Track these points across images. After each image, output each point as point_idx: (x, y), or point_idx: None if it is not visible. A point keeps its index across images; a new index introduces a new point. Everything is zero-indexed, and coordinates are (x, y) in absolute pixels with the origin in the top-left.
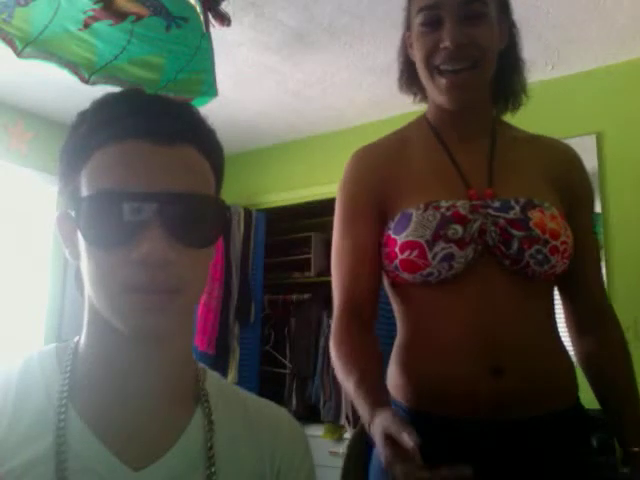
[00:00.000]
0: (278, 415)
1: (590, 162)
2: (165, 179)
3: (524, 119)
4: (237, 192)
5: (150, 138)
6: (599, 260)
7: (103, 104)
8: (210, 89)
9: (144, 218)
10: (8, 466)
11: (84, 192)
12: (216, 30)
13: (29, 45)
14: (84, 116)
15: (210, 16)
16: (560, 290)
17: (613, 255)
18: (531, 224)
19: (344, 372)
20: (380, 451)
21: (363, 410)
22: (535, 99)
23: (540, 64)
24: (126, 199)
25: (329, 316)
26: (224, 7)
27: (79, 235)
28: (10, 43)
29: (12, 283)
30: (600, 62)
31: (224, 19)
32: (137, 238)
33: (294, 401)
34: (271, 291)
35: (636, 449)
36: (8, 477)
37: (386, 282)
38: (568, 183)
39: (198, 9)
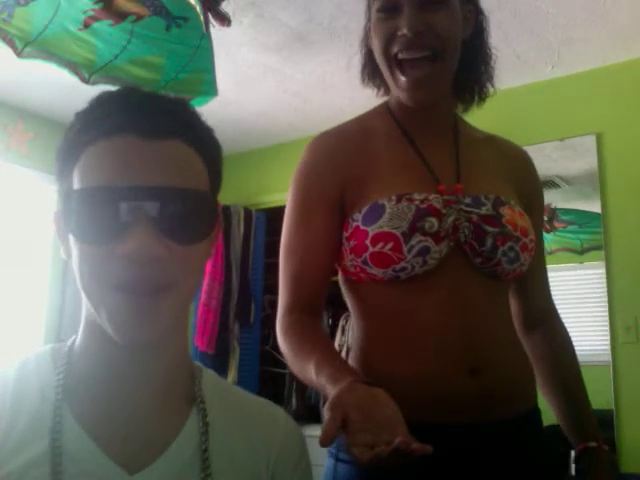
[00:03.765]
0: (274, 415)
1: (590, 162)
2: (153, 174)
3: (524, 119)
4: (237, 192)
5: (138, 133)
6: (545, 261)
7: (96, 102)
8: (210, 89)
9: (132, 214)
10: (5, 470)
11: (74, 188)
12: (216, 30)
13: (29, 45)
14: (78, 116)
15: (210, 16)
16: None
17: (613, 255)
18: (504, 221)
19: (300, 358)
20: (327, 414)
21: (332, 387)
22: (535, 99)
23: (540, 64)
24: (113, 194)
25: (329, 315)
26: (224, 7)
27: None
28: (10, 43)
29: (12, 283)
30: (600, 62)
31: (224, 19)
32: (124, 234)
33: (294, 401)
34: (271, 291)
35: (593, 444)
36: None
37: (344, 279)
38: (524, 185)
39: (198, 9)
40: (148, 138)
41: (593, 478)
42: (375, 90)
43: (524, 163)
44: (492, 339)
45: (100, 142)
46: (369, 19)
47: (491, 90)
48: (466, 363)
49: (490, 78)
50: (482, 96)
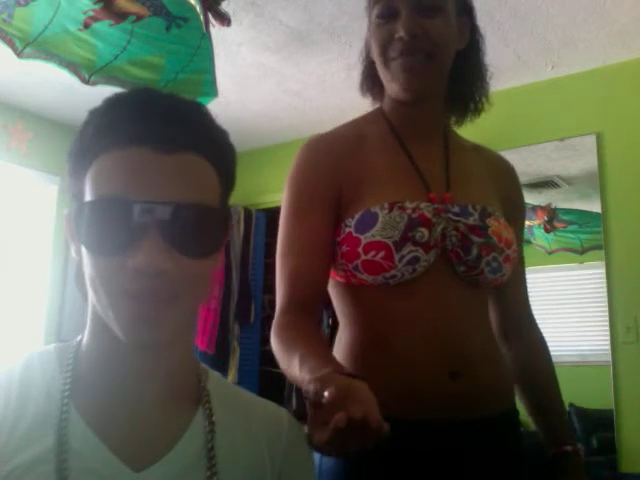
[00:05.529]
0: (279, 416)
1: (590, 162)
2: (165, 188)
3: (524, 119)
4: (237, 192)
5: (152, 146)
6: (524, 271)
7: (111, 105)
8: (210, 89)
9: (143, 227)
10: (10, 466)
11: (87, 197)
12: (216, 30)
13: (29, 45)
14: (93, 116)
15: (210, 16)
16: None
17: (613, 255)
18: (489, 232)
19: (287, 357)
20: (307, 389)
21: (309, 375)
22: (535, 99)
23: (540, 64)
24: (126, 207)
25: (329, 315)
26: (224, 7)
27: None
28: (10, 43)
29: (12, 283)
30: (600, 62)
31: (224, 19)
32: (135, 247)
33: (294, 401)
34: (271, 291)
35: (568, 448)
36: (10, 477)
37: (333, 282)
38: (509, 196)
39: (198, 9)
40: (162, 151)
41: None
42: (372, 100)
43: (509, 175)
44: (472, 345)
45: (114, 151)
46: (369, 27)
47: (486, 106)
48: (447, 367)
49: (485, 93)
50: (475, 112)
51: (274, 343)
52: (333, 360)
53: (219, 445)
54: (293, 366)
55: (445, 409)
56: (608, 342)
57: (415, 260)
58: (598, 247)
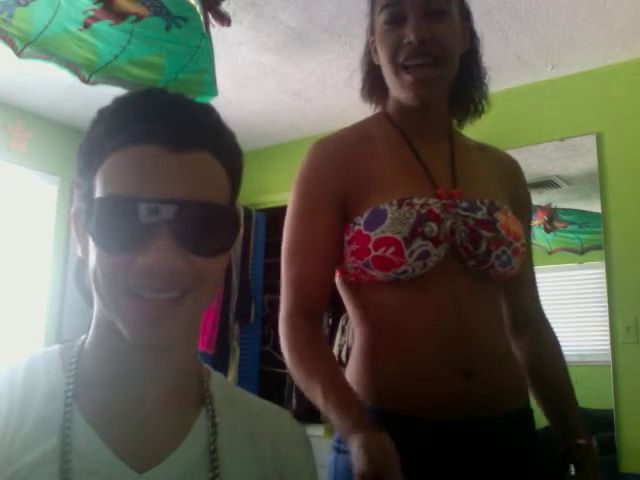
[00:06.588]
0: (280, 417)
1: (590, 162)
2: (176, 187)
3: (524, 119)
4: None
5: (164, 144)
6: (533, 266)
7: (122, 104)
8: (210, 89)
9: (153, 225)
10: (15, 467)
11: (97, 194)
12: (216, 30)
13: (29, 45)
14: (103, 114)
15: (210, 16)
16: None
17: (613, 255)
18: (498, 225)
19: (303, 372)
20: (358, 466)
21: (340, 419)
22: (535, 99)
23: (540, 64)
24: (136, 205)
25: (329, 315)
26: (224, 7)
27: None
28: (10, 43)
29: (12, 283)
30: (600, 62)
31: (224, 19)
32: (144, 245)
33: (294, 401)
34: (271, 291)
35: (582, 441)
36: (14, 478)
37: (342, 281)
38: (515, 192)
39: (198, 9)
40: (174, 150)
41: (584, 473)
42: (373, 106)
43: (515, 171)
44: (485, 342)
45: (126, 150)
46: (371, 33)
47: (485, 107)
48: (460, 366)
49: (484, 94)
50: (475, 113)
51: (285, 346)
52: (353, 398)
53: (222, 446)
54: (314, 392)
55: (459, 408)
56: (608, 342)
57: (425, 255)
58: (598, 247)
